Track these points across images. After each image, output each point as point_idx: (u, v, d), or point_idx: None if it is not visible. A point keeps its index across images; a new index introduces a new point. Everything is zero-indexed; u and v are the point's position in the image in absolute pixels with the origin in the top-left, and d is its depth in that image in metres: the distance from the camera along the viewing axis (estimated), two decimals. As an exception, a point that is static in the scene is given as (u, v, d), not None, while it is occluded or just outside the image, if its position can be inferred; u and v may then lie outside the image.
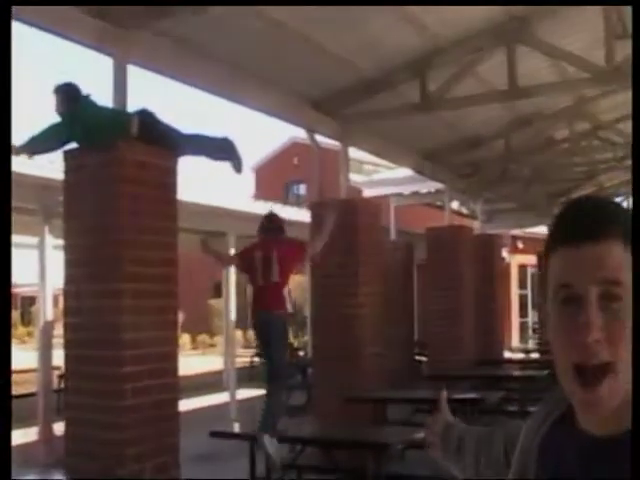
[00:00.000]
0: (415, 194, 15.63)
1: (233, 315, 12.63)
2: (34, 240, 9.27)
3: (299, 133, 12.31)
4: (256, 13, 6.31)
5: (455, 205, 16.05)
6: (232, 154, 5.72)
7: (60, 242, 5.95)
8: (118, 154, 5.08)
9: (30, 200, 8.73)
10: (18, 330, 36.43)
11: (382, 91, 8.35)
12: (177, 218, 5.47)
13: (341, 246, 8.18)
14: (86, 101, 5.40)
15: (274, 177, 30.23)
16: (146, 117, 5.34)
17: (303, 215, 9.17)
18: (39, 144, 5.34)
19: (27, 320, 36.10)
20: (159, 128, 5.38)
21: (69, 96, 5.35)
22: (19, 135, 5.14)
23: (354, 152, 10.12)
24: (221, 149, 5.75)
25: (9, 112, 2.43)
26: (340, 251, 8.14)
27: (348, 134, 9.06)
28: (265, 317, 6.35)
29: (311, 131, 8.77)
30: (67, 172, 5.33)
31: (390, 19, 7.06)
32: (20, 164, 7.73)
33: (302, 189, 29.55)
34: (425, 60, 8.09)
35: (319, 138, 8.99)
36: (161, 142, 5.32)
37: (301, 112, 8.48)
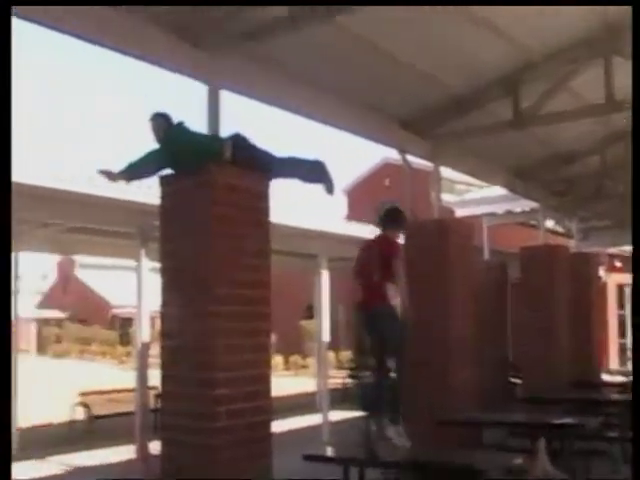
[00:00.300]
0: (508, 213, 15.38)
1: (326, 336, 12.62)
2: (132, 263, 9.51)
3: (391, 154, 12.29)
4: (345, 32, 6.33)
5: (550, 224, 15.69)
6: (324, 176, 5.74)
7: (156, 265, 6.08)
8: (210, 177, 5.16)
9: (128, 224, 8.97)
10: (117, 350, 37.60)
11: (473, 109, 8.25)
12: (269, 240, 5.51)
13: (433, 267, 8.08)
14: (180, 128, 5.52)
15: (366, 198, 30.16)
16: (239, 141, 5.40)
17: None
18: (136, 170, 5.47)
19: (125, 340, 37.16)
20: (252, 152, 5.44)
21: (164, 124, 5.49)
22: (122, 161, 5.32)
23: (446, 171, 10.01)
24: (313, 171, 5.77)
25: (9, 113, 2.47)
26: (432, 272, 8.05)
27: (439, 154, 8.97)
28: (366, 315, 6.53)
29: (402, 151, 8.73)
30: (163, 197, 5.46)
31: (480, 34, 6.96)
32: (118, 190, 7.99)
33: (394, 210, 29.41)
34: (517, 75, 7.96)
35: (411, 158, 8.93)
36: (254, 166, 5.38)
37: (391, 132, 8.46)
